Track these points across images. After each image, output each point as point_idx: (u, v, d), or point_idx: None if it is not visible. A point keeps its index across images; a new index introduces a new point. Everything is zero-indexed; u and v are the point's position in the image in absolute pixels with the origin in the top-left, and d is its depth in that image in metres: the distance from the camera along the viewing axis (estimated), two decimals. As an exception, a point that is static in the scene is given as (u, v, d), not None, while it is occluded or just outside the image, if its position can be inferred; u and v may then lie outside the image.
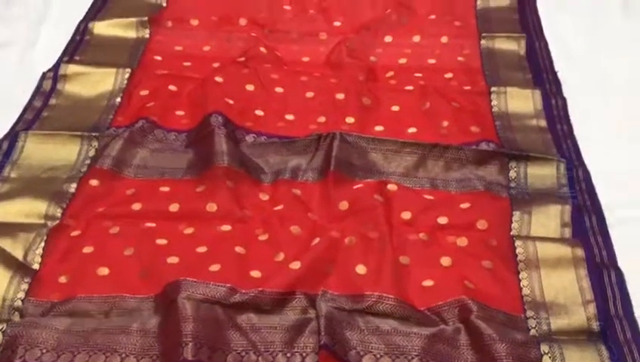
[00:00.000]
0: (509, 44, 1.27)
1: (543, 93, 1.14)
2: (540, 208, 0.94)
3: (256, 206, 0.96)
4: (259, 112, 1.13)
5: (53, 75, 1.18)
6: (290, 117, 1.12)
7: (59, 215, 0.94)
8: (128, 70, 1.19)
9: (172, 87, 1.17)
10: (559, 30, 1.32)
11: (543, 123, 1.10)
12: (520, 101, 1.13)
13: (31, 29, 1.30)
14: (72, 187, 0.98)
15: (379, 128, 1.10)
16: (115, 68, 1.20)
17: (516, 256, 0.87)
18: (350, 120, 1.10)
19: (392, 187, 0.97)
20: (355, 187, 0.97)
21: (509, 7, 1.38)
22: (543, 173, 1.00)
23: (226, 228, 0.92)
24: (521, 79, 1.20)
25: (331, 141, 1.02)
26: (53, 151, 1.04)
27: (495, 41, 1.28)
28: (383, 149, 1.02)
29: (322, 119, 1.11)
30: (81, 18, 1.33)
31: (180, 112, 1.12)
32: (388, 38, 1.30)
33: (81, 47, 1.27)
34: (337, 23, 1.35)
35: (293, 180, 1.00)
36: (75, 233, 0.92)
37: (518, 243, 0.89)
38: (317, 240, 0.89)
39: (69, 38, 1.28)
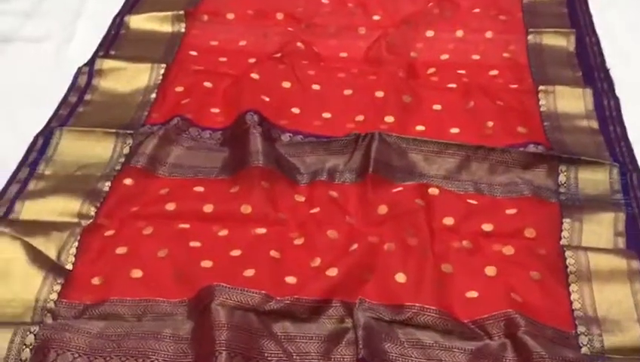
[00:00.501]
0: (558, 40, 1.21)
1: (594, 93, 1.08)
2: (591, 216, 0.89)
3: (292, 208, 0.93)
4: (295, 110, 1.09)
5: (89, 70, 1.17)
6: (327, 115, 1.09)
7: (92, 214, 0.93)
8: (163, 65, 1.17)
9: (207, 84, 1.14)
10: (610, 25, 1.25)
11: (595, 124, 1.04)
12: (570, 100, 1.08)
13: (67, 23, 1.29)
14: (106, 185, 0.97)
15: (420, 128, 1.05)
16: (151, 63, 1.18)
17: (566, 267, 0.82)
18: (389, 119, 1.06)
19: (433, 191, 0.93)
20: (394, 190, 0.94)
21: (557, 1, 1.32)
22: (595, 178, 0.94)
23: (261, 230, 0.90)
24: (571, 77, 1.14)
25: (370, 141, 0.98)
26: (87, 149, 1.03)
27: (543, 36, 1.22)
28: (424, 150, 0.98)
29: (360, 118, 1.08)
30: (117, 12, 1.32)
31: (215, 110, 1.10)
32: (429, 33, 1.25)
33: (116, 41, 1.26)
34: (377, 17, 1.30)
35: (330, 182, 0.97)
36: (108, 233, 0.90)
37: (568, 253, 0.84)
38: (355, 246, 0.85)
39: (104, 32, 1.27)
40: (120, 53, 1.23)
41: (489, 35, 1.24)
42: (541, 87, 1.10)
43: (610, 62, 1.16)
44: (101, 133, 1.04)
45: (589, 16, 1.27)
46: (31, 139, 1.04)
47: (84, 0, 1.34)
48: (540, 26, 1.24)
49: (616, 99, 1.08)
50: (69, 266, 0.86)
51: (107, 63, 1.18)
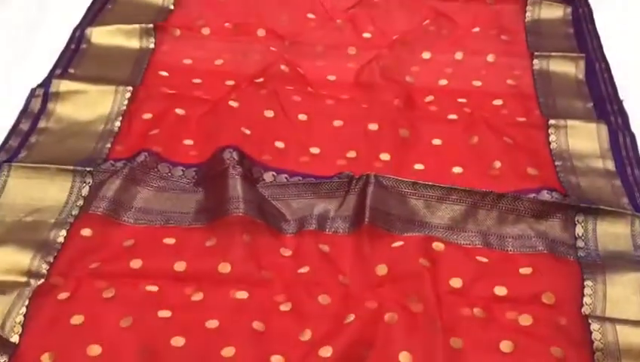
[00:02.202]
0: (566, 66, 1.11)
1: (608, 129, 0.98)
2: (615, 276, 0.79)
3: (278, 265, 0.81)
4: (279, 144, 0.97)
5: (44, 92, 1.03)
6: (315, 150, 0.97)
7: (44, 271, 0.80)
8: (130, 89, 1.04)
9: (179, 111, 1.01)
10: (619, 48, 1.16)
11: (611, 165, 0.95)
12: (583, 138, 0.98)
13: (19, 37, 1.14)
14: (61, 236, 0.84)
15: (418, 166, 0.94)
16: (115, 85, 1.04)
17: (592, 342, 0.73)
18: (385, 156, 0.95)
19: (438, 246, 0.82)
20: (394, 245, 0.82)
21: (562, 20, 1.22)
22: (616, 231, 0.84)
23: (242, 294, 0.78)
24: (582, 109, 1.04)
25: (365, 185, 0.87)
26: (39, 189, 0.89)
27: (550, 61, 1.12)
28: (426, 196, 0.87)
29: (352, 154, 0.96)
30: (77, 24, 1.17)
31: (188, 142, 0.97)
32: (426, 55, 1.14)
33: (76, 58, 1.12)
34: (367, 35, 1.19)
35: (320, 231, 0.85)
36: (62, 295, 0.77)
37: (594, 326, 0.74)
38: (351, 317, 0.74)
39: (62, 47, 1.13)
40: (80, 72, 1.09)
41: (490, 58, 1.13)
42: (551, 122, 0.99)
43: (621, 91, 1.07)
44: (56, 169, 0.91)
45: (597, 37, 1.17)
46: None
47: (41, 10, 1.20)
48: (546, 49, 1.14)
49: (633, 137, 0.98)
50: (15, 338, 0.73)
51: (65, 85, 1.04)
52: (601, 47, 1.15)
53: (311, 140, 0.98)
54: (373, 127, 0.99)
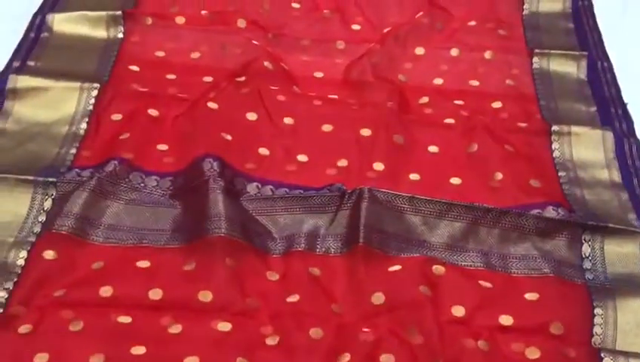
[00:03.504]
0: (567, 66, 1.05)
1: (614, 135, 0.93)
2: (625, 302, 0.74)
3: (264, 292, 0.74)
4: (263, 151, 0.89)
5: (0, 89, 0.93)
6: (302, 158, 0.89)
7: (2, 300, 0.71)
8: (97, 86, 0.94)
9: (152, 112, 0.92)
10: (621, 44, 1.10)
11: (617, 176, 0.89)
12: (588, 146, 0.92)
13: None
14: (21, 258, 0.75)
15: (414, 177, 0.88)
16: (80, 82, 0.94)
17: None
18: (379, 166, 0.88)
19: (438, 269, 0.76)
20: (391, 269, 0.76)
21: (561, 14, 1.15)
22: (624, 251, 0.79)
23: (224, 326, 0.70)
24: (585, 114, 0.99)
25: (358, 200, 0.80)
26: (-4, 202, 0.80)
27: (550, 60, 1.05)
28: (423, 211, 0.81)
29: (344, 163, 0.89)
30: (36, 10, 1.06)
31: (162, 147, 0.89)
32: (419, 50, 1.06)
33: (36, 48, 1.01)
34: (356, 27, 1.10)
35: (311, 252, 0.78)
36: (24, 329, 0.69)
37: (607, 360, 0.69)
38: (347, 357, 0.68)
39: (20, 36, 1.02)
40: (41, 65, 0.99)
41: (488, 55, 1.06)
42: (554, 128, 0.93)
43: (624, 92, 1.01)
44: (14, 180, 0.81)
45: (598, 33, 1.11)
46: None
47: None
48: (546, 46, 1.07)
49: (638, 143, 0.93)
50: None
51: (24, 81, 0.94)
52: (602, 43, 1.09)
53: (298, 147, 0.90)
54: (365, 132, 0.92)
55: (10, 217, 0.79)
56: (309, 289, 0.75)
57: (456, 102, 0.98)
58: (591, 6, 1.16)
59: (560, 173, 0.89)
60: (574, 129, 0.93)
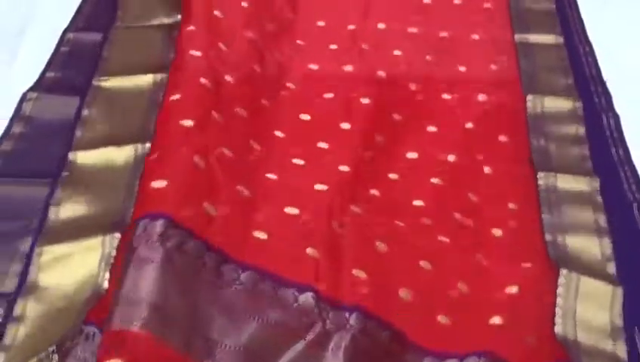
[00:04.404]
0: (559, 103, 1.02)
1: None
2: None
3: None
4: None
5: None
6: (262, 235, 0.82)
7: None
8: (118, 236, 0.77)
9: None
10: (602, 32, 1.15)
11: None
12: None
13: (9, 43, 1.14)
14: None
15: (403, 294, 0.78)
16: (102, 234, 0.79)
17: None
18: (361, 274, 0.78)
19: None
20: None
21: (559, 59, 1.11)
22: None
23: None
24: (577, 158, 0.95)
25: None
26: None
27: (544, 100, 1.02)
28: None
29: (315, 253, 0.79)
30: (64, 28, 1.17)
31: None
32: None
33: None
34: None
35: None
36: None
37: None
38: None
39: (51, 51, 1.13)
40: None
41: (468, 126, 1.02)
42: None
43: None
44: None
45: (581, 20, 1.17)
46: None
47: (29, 15, 1.20)
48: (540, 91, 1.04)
49: (617, 117, 0.99)
50: None
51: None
52: (584, 30, 1.15)
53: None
54: (343, 168, 0.92)
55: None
56: None
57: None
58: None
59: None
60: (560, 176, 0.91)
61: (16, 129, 0.99)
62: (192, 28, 1.05)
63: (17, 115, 1.00)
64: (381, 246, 0.81)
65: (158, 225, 0.72)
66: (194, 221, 0.75)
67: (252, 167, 0.90)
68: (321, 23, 1.17)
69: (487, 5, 1.19)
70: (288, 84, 1.06)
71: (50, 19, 1.18)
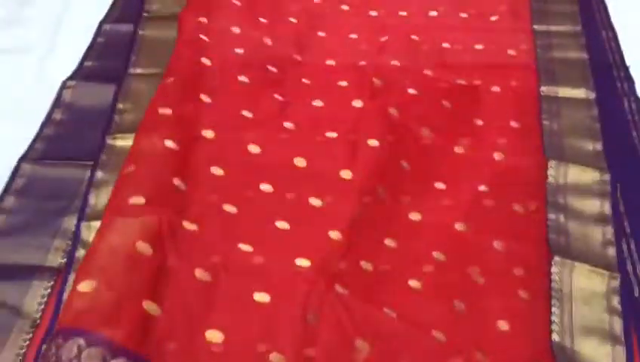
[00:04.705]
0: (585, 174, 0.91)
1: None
2: None
3: None
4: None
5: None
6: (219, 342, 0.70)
7: None
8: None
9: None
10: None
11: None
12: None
13: (48, 33, 1.20)
14: None
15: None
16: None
17: None
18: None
19: None
20: None
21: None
22: None
23: None
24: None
25: None
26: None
27: (568, 168, 0.91)
28: None
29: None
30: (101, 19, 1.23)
31: None
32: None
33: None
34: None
35: None
36: None
37: None
38: None
39: (89, 41, 1.18)
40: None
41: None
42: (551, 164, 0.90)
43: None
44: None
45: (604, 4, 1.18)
46: (11, 162, 0.95)
47: (67, 5, 1.25)
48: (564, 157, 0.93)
49: (639, 102, 1.00)
50: None
51: None
52: (607, 14, 1.16)
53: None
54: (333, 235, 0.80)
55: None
56: None
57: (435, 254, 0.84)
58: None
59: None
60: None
61: (57, 115, 1.04)
62: (170, 80, 0.97)
63: (58, 102, 1.06)
64: (363, 346, 0.69)
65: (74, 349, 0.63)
66: (127, 331, 0.65)
67: (221, 235, 0.78)
68: (330, 62, 1.07)
69: (511, 52, 1.09)
70: (287, 125, 0.95)
71: (87, 11, 1.23)
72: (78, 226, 0.85)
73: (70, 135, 1.01)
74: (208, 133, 0.91)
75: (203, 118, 0.92)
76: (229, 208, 0.82)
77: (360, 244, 0.79)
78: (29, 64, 1.14)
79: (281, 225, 0.81)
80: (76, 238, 0.84)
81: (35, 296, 0.79)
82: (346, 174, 0.87)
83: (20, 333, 0.75)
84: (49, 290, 0.80)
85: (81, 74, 1.11)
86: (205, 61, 1.02)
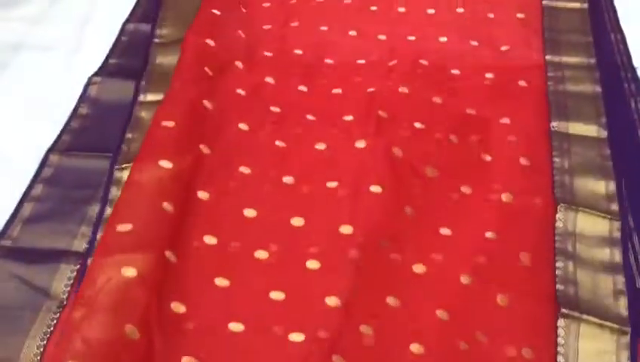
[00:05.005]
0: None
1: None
2: None
3: None
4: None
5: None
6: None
7: None
8: None
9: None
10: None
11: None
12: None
13: (75, 30, 1.25)
14: None
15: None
16: None
17: None
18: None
19: None
20: None
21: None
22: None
23: None
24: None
25: None
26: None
27: (577, 216, 0.87)
28: None
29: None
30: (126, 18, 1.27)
31: None
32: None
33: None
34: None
35: None
36: None
37: None
38: None
39: (114, 38, 1.23)
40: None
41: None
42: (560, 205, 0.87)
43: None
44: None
45: (613, 9, 1.20)
46: (39, 153, 1.01)
47: (93, 5, 1.31)
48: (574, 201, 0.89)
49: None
50: None
51: None
52: (617, 19, 1.18)
53: None
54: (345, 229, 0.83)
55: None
56: None
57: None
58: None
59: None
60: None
61: (83, 110, 1.10)
62: (168, 124, 0.93)
63: (84, 97, 1.12)
64: None
65: None
66: None
67: (213, 314, 0.75)
68: (337, 91, 1.06)
69: (522, 83, 1.06)
70: (286, 179, 0.91)
71: (112, 10, 1.29)
72: (100, 215, 0.91)
73: (95, 128, 1.06)
74: (204, 196, 0.88)
75: (201, 174, 0.90)
76: (222, 282, 0.78)
77: (359, 306, 0.74)
78: (57, 60, 1.19)
79: (276, 295, 0.77)
80: (96, 226, 0.89)
81: (62, 279, 0.84)
82: (346, 229, 0.82)
83: (48, 312, 0.80)
84: (75, 273, 0.84)
85: (105, 70, 1.16)
86: (206, 104, 0.99)
